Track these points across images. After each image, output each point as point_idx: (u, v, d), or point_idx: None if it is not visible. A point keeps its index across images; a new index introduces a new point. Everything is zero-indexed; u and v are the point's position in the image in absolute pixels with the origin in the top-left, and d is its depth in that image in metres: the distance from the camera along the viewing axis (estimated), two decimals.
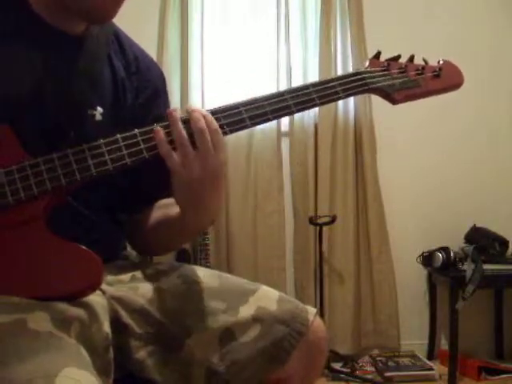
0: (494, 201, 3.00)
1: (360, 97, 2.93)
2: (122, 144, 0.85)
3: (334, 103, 2.92)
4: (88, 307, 0.82)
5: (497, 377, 2.66)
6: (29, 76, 0.89)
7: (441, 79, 1.03)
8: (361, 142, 2.95)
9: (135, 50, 1.07)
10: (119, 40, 1.04)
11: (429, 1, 3.03)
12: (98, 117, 0.95)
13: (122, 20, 1.08)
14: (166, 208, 1.01)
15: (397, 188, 3.00)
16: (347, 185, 2.93)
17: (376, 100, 3.22)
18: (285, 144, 2.97)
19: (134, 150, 0.85)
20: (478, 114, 3.04)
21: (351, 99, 2.97)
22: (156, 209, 1.05)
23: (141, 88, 1.04)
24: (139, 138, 0.86)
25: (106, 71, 0.99)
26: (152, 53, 2.69)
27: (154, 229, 1.02)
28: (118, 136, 0.85)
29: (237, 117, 0.90)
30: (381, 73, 1.02)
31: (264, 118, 0.92)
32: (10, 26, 0.90)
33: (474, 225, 2.84)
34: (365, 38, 2.93)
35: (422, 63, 1.04)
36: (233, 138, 2.77)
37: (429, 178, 3.01)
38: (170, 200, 1.02)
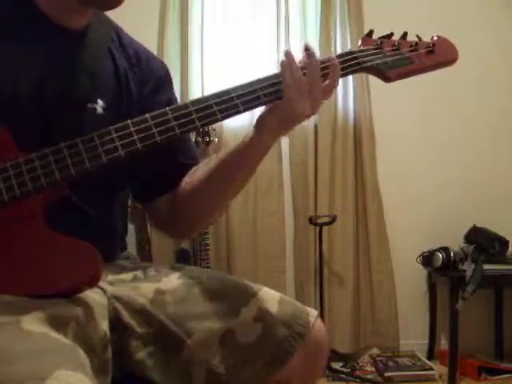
0: (493, 201, 3.00)
1: (360, 97, 2.93)
2: (114, 135, 0.84)
3: (333, 104, 2.92)
4: (86, 306, 0.82)
5: (497, 377, 2.66)
6: (30, 72, 0.89)
7: (435, 55, 1.02)
8: (360, 141, 2.95)
9: (135, 45, 1.07)
10: (119, 36, 1.04)
11: (429, 1, 3.03)
12: (99, 110, 0.94)
13: (123, 20, 1.09)
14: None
15: (396, 188, 2.99)
16: (347, 185, 2.93)
17: (376, 100, 3.21)
18: (285, 144, 2.97)
19: (127, 141, 0.84)
20: (478, 113, 3.03)
21: (351, 99, 2.97)
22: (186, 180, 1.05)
23: (144, 79, 1.04)
24: (132, 129, 0.85)
25: (108, 65, 0.99)
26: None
27: (197, 190, 1.01)
28: (111, 128, 0.84)
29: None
30: (373, 51, 1.00)
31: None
32: (12, 21, 0.90)
33: (474, 225, 2.83)
34: None
35: (416, 40, 1.03)
36: (233, 138, 2.77)
37: (428, 178, 3.01)
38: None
